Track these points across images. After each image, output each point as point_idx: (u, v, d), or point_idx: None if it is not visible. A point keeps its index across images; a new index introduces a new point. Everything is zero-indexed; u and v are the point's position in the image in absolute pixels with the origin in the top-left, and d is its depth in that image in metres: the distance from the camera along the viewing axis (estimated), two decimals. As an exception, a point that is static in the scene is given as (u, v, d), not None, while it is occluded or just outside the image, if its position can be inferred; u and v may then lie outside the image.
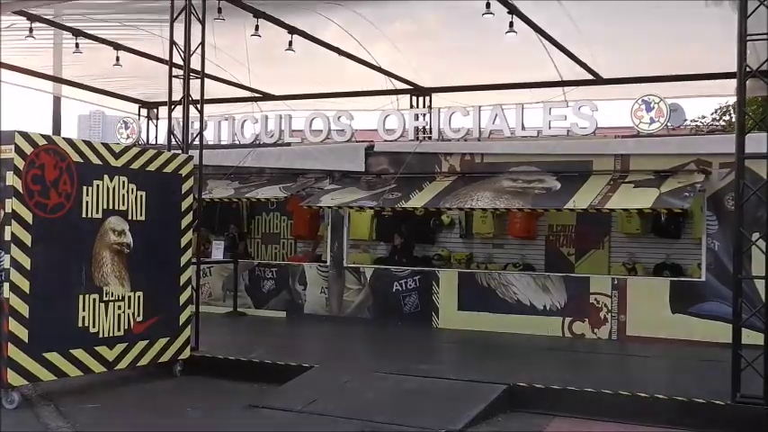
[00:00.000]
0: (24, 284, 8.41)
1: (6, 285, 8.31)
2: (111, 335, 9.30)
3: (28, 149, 8.55)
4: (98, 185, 9.20)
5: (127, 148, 9.71)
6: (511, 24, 12.59)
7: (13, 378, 8.41)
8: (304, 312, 14.92)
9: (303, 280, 15.05)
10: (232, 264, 15.23)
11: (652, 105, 13.15)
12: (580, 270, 14.68)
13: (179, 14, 11.10)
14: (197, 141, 11.49)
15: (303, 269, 15.12)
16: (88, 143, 9.27)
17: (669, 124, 13.80)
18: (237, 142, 16.30)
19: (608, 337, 12.76)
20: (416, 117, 15.21)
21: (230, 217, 17.46)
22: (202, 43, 11.18)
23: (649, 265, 14.41)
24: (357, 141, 15.31)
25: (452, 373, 9.72)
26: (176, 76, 11.18)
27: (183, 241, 10.23)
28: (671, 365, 10.94)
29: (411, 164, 14.40)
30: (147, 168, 9.80)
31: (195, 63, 11.15)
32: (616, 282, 12.91)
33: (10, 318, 8.34)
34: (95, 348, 9.16)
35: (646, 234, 14.56)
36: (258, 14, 13.25)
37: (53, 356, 8.71)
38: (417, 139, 14.91)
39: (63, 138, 9.13)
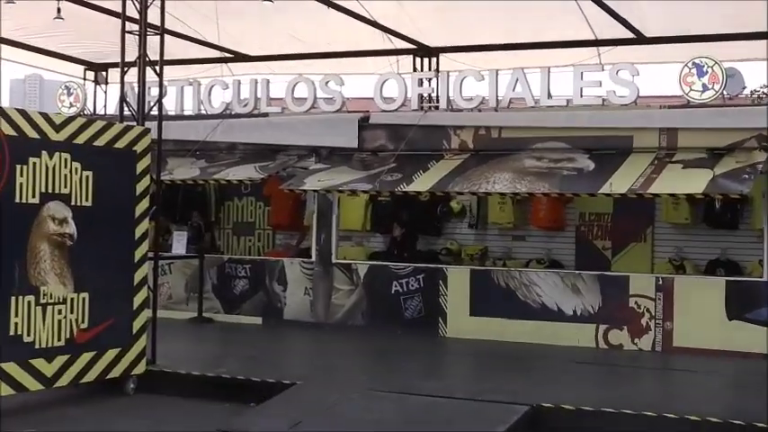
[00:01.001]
0: (-55, 283, 8.38)
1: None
2: (49, 345, 9.24)
3: (-51, 120, 8.51)
4: (34, 164, 9.13)
5: (70, 119, 9.65)
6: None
7: (-69, 397, 8.38)
8: (284, 318, 14.91)
9: (283, 279, 15.04)
10: (197, 259, 15.22)
11: (705, 70, 13.09)
12: (618, 268, 14.66)
13: (133, -44, 11.05)
14: (155, 111, 11.43)
15: (283, 266, 15.11)
16: (23, 113, 9.21)
17: (725, 92, 13.73)
18: (204, 112, 16.24)
19: (651, 348, 12.77)
20: (420, 82, 15.16)
21: (195, 203, 17.41)
22: (162, -8, 11.14)
23: (701, 262, 14.41)
24: (349, 112, 15.27)
25: (463, 391, 9.71)
26: (130, 32, 11.11)
27: (138, 232, 10.18)
28: (726, 382, 10.95)
29: (414, 139, 14.37)
30: (95, 143, 9.74)
31: (153, 17, 11.08)
32: (661, 282, 12.90)
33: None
34: (30, 362, 9.10)
35: (696, 224, 14.56)
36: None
37: (-20, 371, 8.68)
38: (422, 109, 14.86)
39: (-8, 106, 9.08)
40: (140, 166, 10.26)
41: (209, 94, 16.23)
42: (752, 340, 12.20)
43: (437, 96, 15.05)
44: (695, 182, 12.19)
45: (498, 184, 13.16)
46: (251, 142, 15.65)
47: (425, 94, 15.25)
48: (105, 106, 19.12)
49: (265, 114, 15.74)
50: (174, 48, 16.18)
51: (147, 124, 10.88)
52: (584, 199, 14.17)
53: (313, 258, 14.90)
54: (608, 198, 13.45)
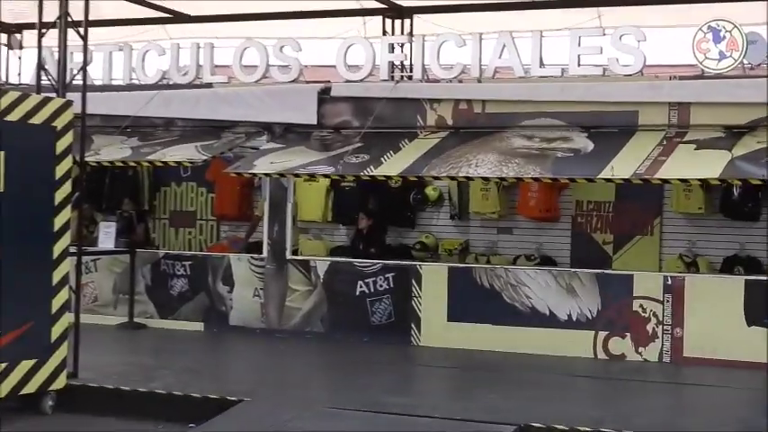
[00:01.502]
0: None
1: None
2: (-47, 355, 9.19)
3: None
4: (-66, 141, 9.08)
5: (-24, 89, 9.59)
6: None
7: None
8: (230, 324, 14.93)
9: (229, 278, 15.04)
10: (127, 255, 15.18)
11: (722, 35, 13.16)
12: (620, 265, 14.73)
13: None
14: (78, 80, 11.36)
15: (229, 263, 15.11)
16: None
17: (746, 61, 13.81)
18: (137, 82, 16.18)
19: (658, 358, 12.84)
20: (392, 48, 15.12)
21: (125, 188, 17.36)
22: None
23: (716, 259, 14.49)
24: (307, 82, 15.28)
25: (440, 408, 9.72)
26: (48, -14, 11.03)
27: (58, 223, 10.12)
28: (745, 399, 11.01)
29: (383, 114, 14.38)
30: (7, 118, 9.67)
31: (76, -32, 11.00)
32: (670, 281, 12.96)
33: None
34: (-69, 374, 9.06)
35: (711, 215, 14.63)
36: None
37: None
38: (392, 79, 14.88)
39: None
40: (61, 146, 10.18)
41: (143, 60, 16.15)
42: (774, 349, 12.29)
43: (410, 64, 15.04)
44: (710, 165, 12.23)
45: (481, 167, 13.17)
46: (192, 118, 15.61)
47: (397, 62, 15.26)
48: (20, 75, 18.95)
49: (209, 85, 15.69)
50: (103, 6, 16.03)
51: (69, 96, 10.80)
52: (582, 185, 14.19)
53: (264, 254, 14.88)
54: (609, 184, 13.46)
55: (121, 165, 15.39)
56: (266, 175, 14.31)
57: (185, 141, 15.37)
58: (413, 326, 13.92)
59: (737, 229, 14.52)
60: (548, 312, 13.31)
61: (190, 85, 15.78)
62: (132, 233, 16.42)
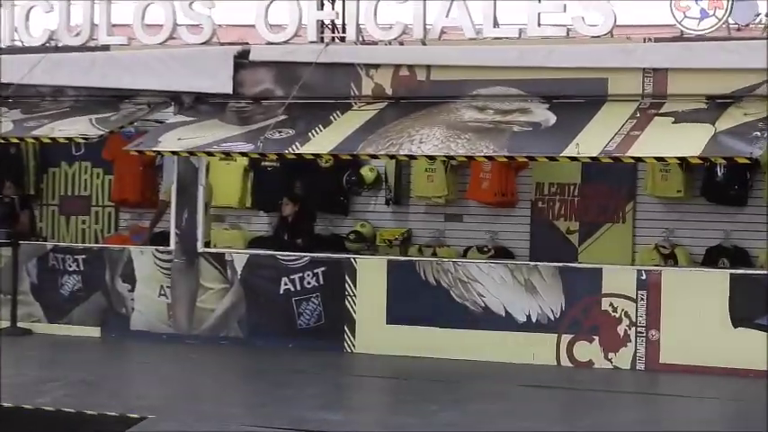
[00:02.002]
0: None
1: None
2: None
3: None
4: None
5: None
6: None
7: None
8: (131, 329, 14.86)
9: (130, 275, 14.98)
10: (9, 248, 15.06)
11: (704, -10, 13.32)
12: (587, 257, 14.86)
13: None
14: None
15: (130, 257, 15.04)
16: None
17: (732, 21, 13.90)
18: (20, 44, 16.02)
19: (631, 365, 12.90)
20: (321, 5, 15.19)
21: (7, 169, 17.24)
22: None
23: (698, 250, 14.65)
24: (221, 44, 15.20)
25: (377, 425, 9.78)
26: None
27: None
28: (733, 412, 11.09)
29: (311, 82, 14.36)
30: None
31: None
32: (644, 276, 13.01)
33: None
34: None
35: (692, 199, 14.79)
36: None
37: None
38: (322, 41, 14.86)
39: None
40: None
41: (27, 18, 16.00)
42: (763, 354, 12.31)
43: (343, 24, 15.04)
44: (690, 141, 12.29)
45: (426, 144, 13.18)
46: (85, 86, 15.49)
47: (327, 21, 15.26)
48: None
49: (106, 47, 15.57)
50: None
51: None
52: (543, 165, 14.27)
53: (172, 246, 14.84)
54: (574, 164, 13.57)
55: (2, 141, 15.24)
56: (173, 153, 14.24)
57: (78, 114, 15.26)
58: (346, 329, 13.91)
59: (722, 216, 14.68)
60: (503, 313, 13.34)
61: (83, 48, 15.60)
62: (15, 222, 16.33)
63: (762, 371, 12.19)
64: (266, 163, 15.92)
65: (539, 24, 13.76)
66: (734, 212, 14.63)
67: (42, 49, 15.76)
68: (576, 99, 13.51)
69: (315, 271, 14.12)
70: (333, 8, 15.22)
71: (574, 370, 12.94)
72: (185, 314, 14.66)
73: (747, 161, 12.16)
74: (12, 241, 15.10)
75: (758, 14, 14.40)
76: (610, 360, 12.98)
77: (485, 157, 13.18)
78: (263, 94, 14.78)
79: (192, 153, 14.15)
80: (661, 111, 13.10)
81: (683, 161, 12.78)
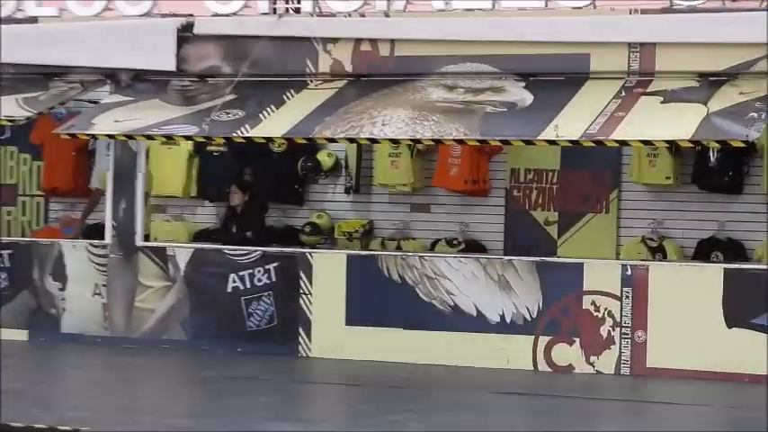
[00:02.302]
0: None
1: None
2: None
3: None
4: None
5: None
6: None
7: None
8: (62, 331, 14.87)
9: (61, 272, 14.97)
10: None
11: (696, -45, 13.32)
12: (567, 251, 14.90)
13: None
14: None
15: (61, 252, 15.03)
16: None
17: (726, -10, 13.97)
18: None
19: (615, 370, 12.94)
20: (273, -28, 15.11)
21: None
22: None
23: (688, 243, 14.67)
24: (163, 16, 15.16)
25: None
26: None
27: None
28: (727, 420, 11.07)
29: (263, 58, 14.37)
30: None
31: None
32: (630, 272, 13.05)
33: None
34: None
35: (682, 186, 14.80)
36: None
37: None
38: (275, 12, 14.90)
39: None
40: None
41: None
42: (759, 357, 12.37)
43: (298, -6, 15.04)
44: (681, 123, 12.34)
45: (390, 126, 13.22)
46: (11, 62, 15.36)
47: (280, -9, 15.21)
48: None
49: (33, 19, 15.54)
50: None
51: None
52: (518, 149, 14.34)
53: (107, 240, 14.84)
54: (553, 148, 13.62)
55: None
56: (109, 136, 14.25)
57: (2, 93, 15.18)
58: (301, 331, 13.95)
59: (715, 205, 14.71)
60: (475, 312, 13.37)
61: (8, 20, 15.53)
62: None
63: (759, 375, 12.26)
64: (213, 148, 15.89)
65: (514, -6, 13.83)
66: (728, 201, 14.65)
67: (-38, 21, 15.71)
68: (554, 77, 13.55)
69: (266, 267, 14.14)
70: (286, -24, 15.18)
71: (552, 375, 12.99)
72: (122, 315, 14.68)
73: (743, 145, 12.22)
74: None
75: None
76: (592, 364, 13.02)
77: (454, 140, 13.20)
78: (209, 72, 14.77)
79: (129, 137, 14.15)
80: (648, 89, 13.13)
81: (672, 145, 12.92)
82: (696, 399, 11.76)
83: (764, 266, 13.09)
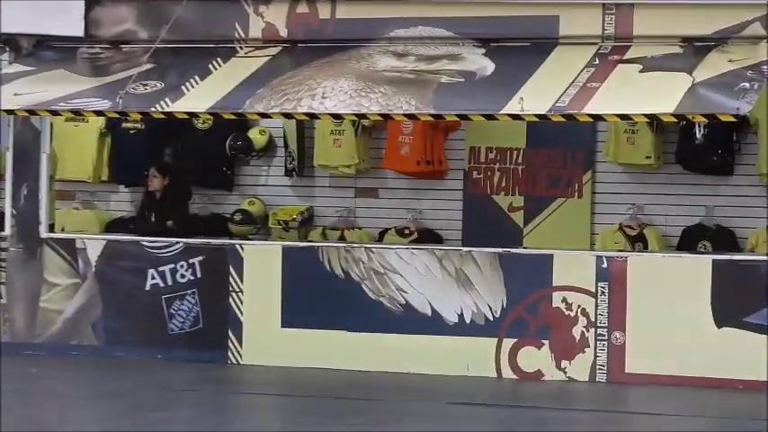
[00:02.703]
0: None
1: None
2: None
3: None
4: None
5: None
6: None
7: None
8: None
9: (-48, 268, 14.93)
10: None
11: None
12: (534, 241, 14.95)
13: None
14: None
15: (-48, 245, 14.99)
16: None
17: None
18: None
19: (589, 377, 12.98)
20: None
21: None
22: None
23: (673, 230, 14.73)
24: (70, -26, 15.12)
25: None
26: None
27: None
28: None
29: (185, 21, 14.37)
30: None
31: None
32: (606, 264, 13.08)
33: None
34: None
35: (665, 167, 14.85)
36: None
37: None
38: (198, -32, 14.83)
39: None
40: None
41: None
42: (754, 360, 12.41)
43: (225, -53, 14.98)
44: (663, 95, 12.40)
45: (331, 99, 13.27)
46: None
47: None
48: None
49: None
50: None
51: None
52: (478, 125, 14.41)
53: (6, 231, 14.82)
54: (517, 124, 13.67)
55: None
56: (8, 112, 14.19)
57: None
58: (230, 335, 13.96)
59: (702, 188, 14.78)
60: (429, 312, 13.40)
61: None
62: None
63: (755, 381, 12.31)
64: (128, 125, 15.86)
65: (473, -52, 13.84)
66: (717, 184, 14.74)
67: None
68: (519, 42, 13.64)
69: (190, 261, 14.15)
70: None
71: (518, 383, 13.05)
72: (24, 317, 14.67)
73: (733, 119, 12.24)
74: None
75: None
76: (563, 370, 13.05)
77: (405, 115, 13.26)
78: (123, 37, 14.84)
79: (32, 112, 14.16)
80: (626, 57, 13.22)
81: (653, 120, 12.96)
82: (682, 409, 11.81)
83: (757, 258, 13.11)
